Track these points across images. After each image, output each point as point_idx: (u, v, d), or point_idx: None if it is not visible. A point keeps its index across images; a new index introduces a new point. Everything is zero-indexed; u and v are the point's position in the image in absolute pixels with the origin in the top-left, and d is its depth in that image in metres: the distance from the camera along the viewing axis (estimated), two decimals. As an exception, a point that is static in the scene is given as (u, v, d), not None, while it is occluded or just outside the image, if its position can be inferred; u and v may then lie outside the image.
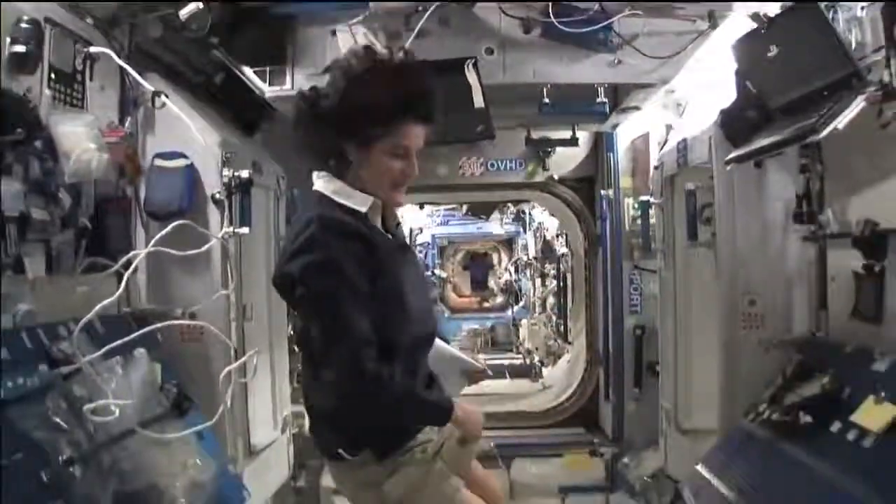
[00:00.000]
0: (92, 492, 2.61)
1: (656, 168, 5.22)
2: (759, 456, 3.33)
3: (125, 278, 3.17)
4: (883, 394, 2.71)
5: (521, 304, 14.13)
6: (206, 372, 3.73)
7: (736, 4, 3.89)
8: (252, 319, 4.41)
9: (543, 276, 11.90)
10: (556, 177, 6.67)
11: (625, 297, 6.15)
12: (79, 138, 3.22)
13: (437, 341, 2.66)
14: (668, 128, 5.48)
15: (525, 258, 13.47)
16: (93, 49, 3.54)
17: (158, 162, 3.81)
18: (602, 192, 6.32)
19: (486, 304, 16.25)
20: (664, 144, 5.39)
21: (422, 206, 11.68)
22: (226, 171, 3.87)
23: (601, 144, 6.43)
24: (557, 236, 10.06)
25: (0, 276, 2.82)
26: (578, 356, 7.46)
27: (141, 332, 3.14)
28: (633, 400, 6.10)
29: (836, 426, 2.87)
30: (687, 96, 5.12)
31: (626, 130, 6.02)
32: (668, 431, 4.95)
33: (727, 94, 3.85)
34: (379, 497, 2.43)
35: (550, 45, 4.22)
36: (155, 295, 3.85)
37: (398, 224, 2.67)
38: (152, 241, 3.30)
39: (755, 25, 3.46)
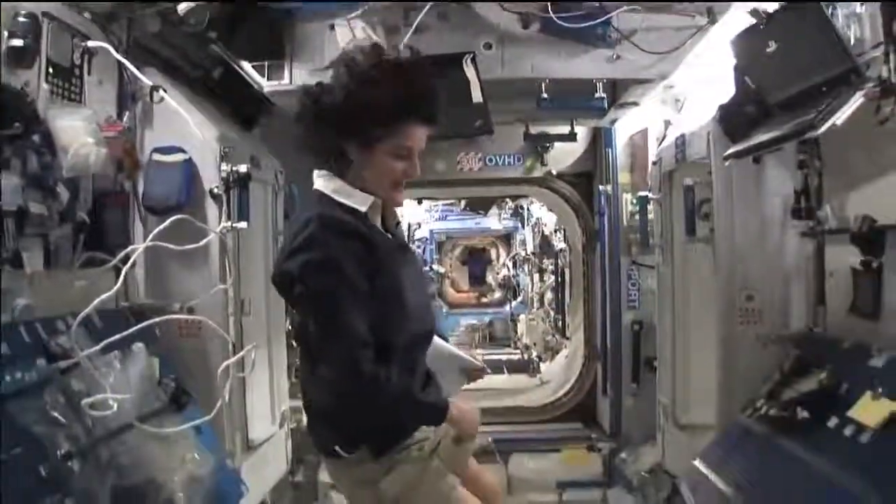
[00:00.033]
0: (90, 486, 2.61)
1: (654, 163, 5.22)
2: (756, 451, 3.34)
3: (123, 273, 3.17)
4: (880, 389, 2.71)
5: (520, 299, 14.13)
6: (205, 366, 3.73)
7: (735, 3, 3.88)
8: (250, 314, 4.40)
9: (541, 271, 11.90)
10: (554, 172, 6.67)
11: (623, 292, 6.16)
12: (77, 133, 3.21)
13: (436, 339, 2.67)
14: (667, 123, 5.47)
15: (523, 253, 13.47)
16: (91, 43, 3.53)
17: (156, 156, 3.80)
18: (600, 187, 6.32)
19: (484, 300, 16.26)
20: (662, 140, 5.38)
21: (420, 202, 11.70)
22: (224, 166, 3.86)
23: (599, 140, 6.43)
24: (555, 232, 10.07)
25: (-1, 270, 2.83)
26: (576, 351, 7.46)
27: (139, 326, 3.14)
28: (631, 395, 6.11)
29: (833, 422, 2.88)
30: (685, 92, 5.12)
31: (625, 126, 6.03)
32: (665, 426, 4.95)
33: (726, 90, 3.85)
34: (375, 495, 2.44)
35: (549, 41, 4.22)
36: (153, 289, 3.84)
37: (398, 223, 2.68)
38: (150, 236, 3.30)
39: (754, 21, 3.45)
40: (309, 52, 4.28)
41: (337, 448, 2.45)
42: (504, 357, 11.60)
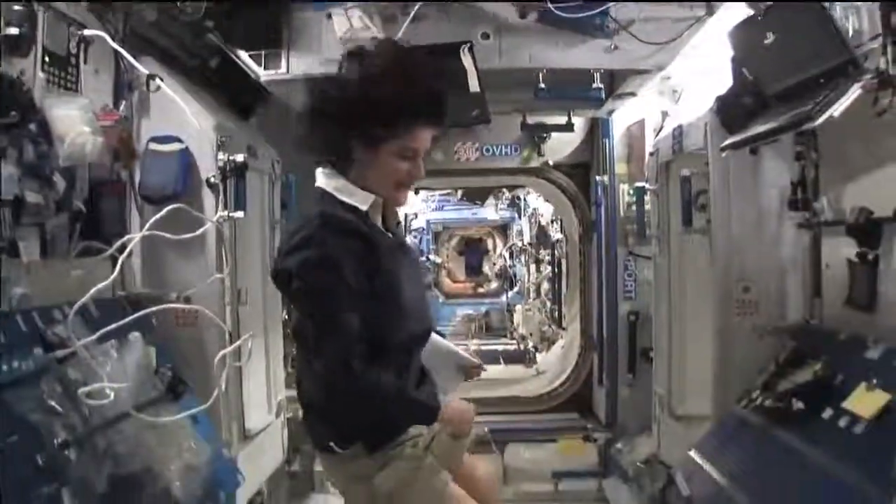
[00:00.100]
0: (87, 475, 2.61)
1: (651, 154, 5.22)
2: (751, 442, 3.35)
3: (120, 262, 3.16)
4: (875, 381, 2.72)
5: (516, 289, 14.19)
6: (201, 356, 3.73)
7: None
8: (247, 303, 4.41)
9: (538, 261, 11.92)
10: (551, 162, 6.68)
11: (619, 283, 6.17)
12: (73, 122, 3.20)
13: (434, 336, 2.69)
14: (664, 114, 5.47)
15: (520, 244, 13.51)
16: (87, 32, 3.51)
17: (153, 146, 3.80)
18: (597, 177, 6.33)
19: (480, 290, 16.33)
20: (660, 131, 5.38)
21: (417, 192, 11.68)
22: (221, 155, 3.86)
23: (597, 130, 6.44)
24: (552, 222, 10.08)
25: (-2, 260, 2.82)
26: (572, 342, 7.48)
27: (135, 315, 3.13)
28: (627, 386, 6.13)
29: (828, 413, 2.89)
30: (683, 83, 5.11)
31: (622, 116, 6.03)
32: (661, 417, 4.97)
33: (723, 81, 3.84)
34: (369, 490, 2.44)
35: (547, 30, 4.21)
36: (149, 279, 3.84)
37: (398, 223, 2.69)
38: (147, 225, 3.29)
39: (752, 12, 3.45)
40: (306, 41, 4.27)
41: (331, 443, 2.46)
42: (500, 347, 11.66)
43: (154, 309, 3.36)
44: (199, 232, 3.55)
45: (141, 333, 3.24)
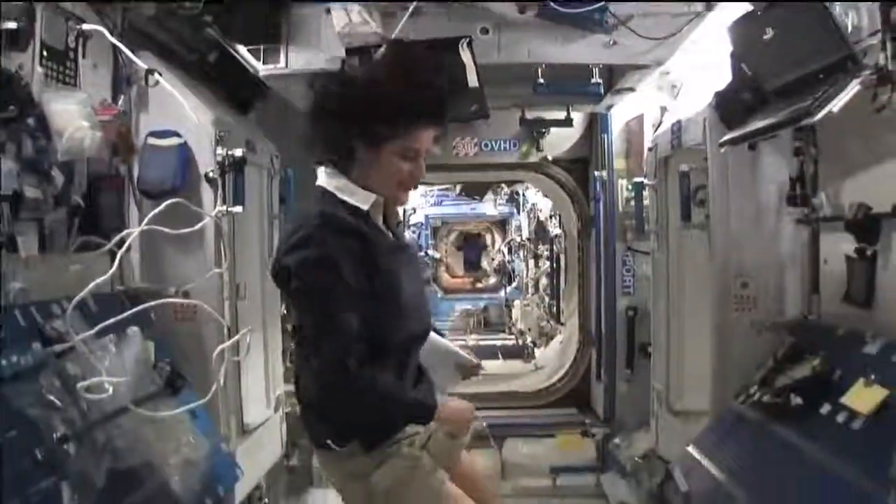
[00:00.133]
0: (86, 469, 2.61)
1: (650, 150, 5.22)
2: (749, 437, 3.36)
3: (118, 257, 3.17)
4: (873, 376, 2.73)
5: (514, 284, 14.18)
6: (200, 350, 3.74)
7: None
8: (245, 298, 4.41)
9: (536, 257, 11.91)
10: (549, 157, 6.66)
11: (617, 278, 6.17)
12: (71, 116, 3.20)
13: (433, 335, 2.70)
14: (663, 109, 5.47)
15: (518, 239, 13.49)
16: (85, 26, 3.50)
17: (152, 140, 3.79)
18: (596, 173, 6.31)
19: (479, 285, 16.33)
20: (658, 126, 5.38)
21: (415, 186, 11.66)
22: (219, 150, 3.86)
23: (595, 125, 6.42)
24: (551, 217, 10.06)
25: (-2, 255, 2.83)
26: (571, 337, 7.48)
27: (134, 310, 3.13)
28: (625, 381, 6.14)
29: (826, 408, 2.90)
30: (682, 78, 5.11)
31: (621, 112, 6.02)
32: (659, 412, 4.97)
33: (722, 77, 3.84)
34: (366, 488, 2.45)
35: (545, 25, 4.20)
36: (148, 273, 3.84)
37: (399, 223, 2.69)
38: (145, 220, 3.29)
39: (751, 8, 3.45)
40: (305, 36, 4.25)
41: (328, 441, 2.47)
42: (499, 342, 11.65)
43: (153, 303, 3.36)
44: (197, 227, 3.55)
45: (139, 328, 3.24)
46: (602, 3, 4.04)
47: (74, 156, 3.25)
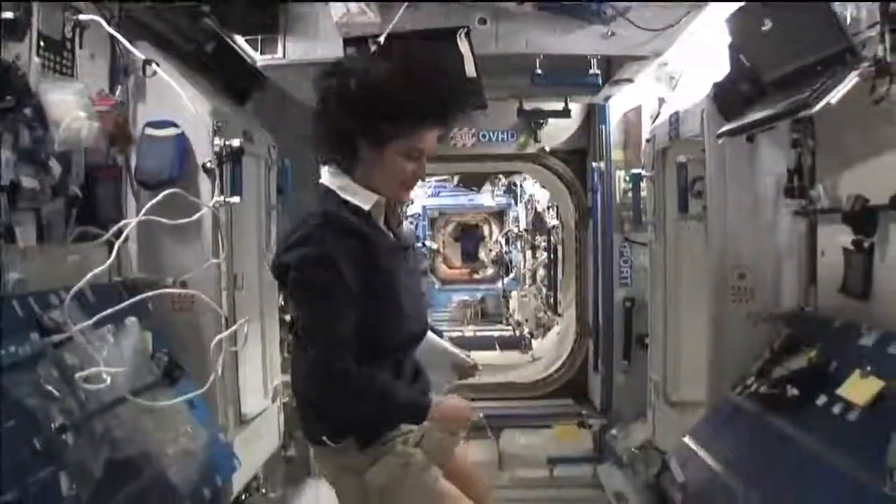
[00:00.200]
0: (84, 459, 2.62)
1: (648, 141, 5.22)
2: (746, 428, 3.37)
3: (116, 247, 3.17)
4: (869, 368, 2.74)
5: (512, 275, 14.21)
6: (197, 341, 3.74)
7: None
8: (243, 288, 4.41)
9: (534, 248, 11.93)
10: (547, 148, 6.66)
11: (615, 269, 6.17)
12: (69, 106, 3.19)
13: (430, 334, 2.71)
14: (661, 101, 5.45)
15: (516, 230, 13.51)
16: (82, 17, 3.49)
17: (149, 131, 3.78)
18: (594, 164, 6.31)
19: (476, 276, 16.34)
20: (656, 117, 5.37)
21: (413, 177, 11.65)
22: (217, 140, 3.85)
23: (593, 116, 6.42)
24: (548, 208, 10.06)
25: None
26: (568, 328, 7.49)
27: (132, 300, 3.13)
28: (622, 372, 6.14)
29: (822, 400, 2.91)
30: (680, 69, 5.10)
31: (619, 103, 6.01)
32: (656, 403, 4.98)
33: (720, 68, 3.84)
34: (360, 483, 2.46)
35: (544, 16, 4.19)
36: (146, 264, 3.83)
37: (400, 223, 2.69)
38: (143, 210, 3.29)
39: (750, -1, 3.44)
40: (303, 26, 4.24)
41: (324, 437, 2.48)
42: (496, 333, 11.68)
43: (150, 294, 3.37)
44: (195, 217, 3.54)
45: (137, 318, 3.25)
46: (601, -6, 4.04)
47: (72, 146, 3.25)
